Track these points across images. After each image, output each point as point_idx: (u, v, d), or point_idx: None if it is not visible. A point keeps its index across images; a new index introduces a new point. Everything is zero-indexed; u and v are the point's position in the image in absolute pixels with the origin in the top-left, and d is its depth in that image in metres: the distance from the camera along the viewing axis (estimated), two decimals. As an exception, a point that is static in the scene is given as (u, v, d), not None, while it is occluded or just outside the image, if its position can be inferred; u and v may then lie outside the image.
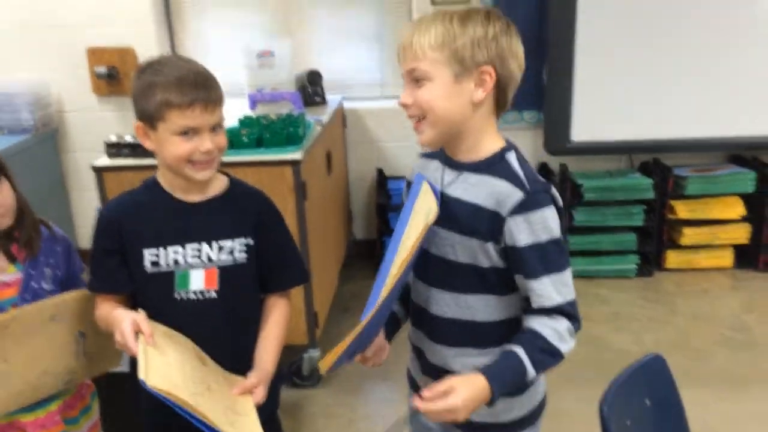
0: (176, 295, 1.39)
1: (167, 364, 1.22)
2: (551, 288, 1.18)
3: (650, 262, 3.61)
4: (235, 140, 2.45)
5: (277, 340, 1.46)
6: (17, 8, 3.50)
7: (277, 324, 1.48)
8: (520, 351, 1.15)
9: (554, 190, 1.21)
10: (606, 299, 3.40)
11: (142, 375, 1.14)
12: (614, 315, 3.24)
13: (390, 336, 1.38)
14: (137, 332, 1.26)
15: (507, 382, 1.15)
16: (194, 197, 1.42)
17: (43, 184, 3.58)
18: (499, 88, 1.20)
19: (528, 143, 3.71)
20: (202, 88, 1.32)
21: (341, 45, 3.74)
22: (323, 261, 2.89)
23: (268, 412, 1.44)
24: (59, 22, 3.50)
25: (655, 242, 3.59)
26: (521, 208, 1.17)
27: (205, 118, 1.32)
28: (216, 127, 1.36)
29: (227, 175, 1.50)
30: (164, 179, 1.43)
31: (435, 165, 1.31)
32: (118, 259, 1.40)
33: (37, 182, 3.48)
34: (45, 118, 3.54)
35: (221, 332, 1.40)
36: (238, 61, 3.23)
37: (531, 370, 1.15)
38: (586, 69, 3.37)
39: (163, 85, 1.30)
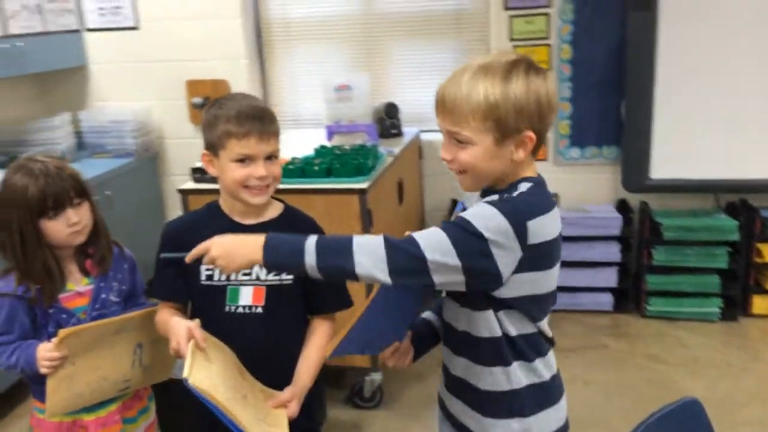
0: (226, 308, 1.52)
1: (210, 369, 1.32)
2: (428, 234, 1.16)
3: (735, 306, 3.44)
4: (307, 169, 2.60)
5: (316, 360, 1.55)
6: (127, 45, 3.86)
7: (317, 345, 1.56)
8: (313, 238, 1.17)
9: (530, 226, 1.17)
10: (685, 342, 3.27)
11: (185, 373, 1.24)
12: (692, 359, 3.12)
13: (423, 345, 1.44)
14: (191, 338, 1.37)
15: (285, 249, 1.17)
16: (250, 220, 1.55)
17: (144, 204, 3.86)
18: (537, 140, 1.24)
19: (607, 179, 3.66)
20: (258, 120, 1.46)
21: (420, 78, 3.84)
22: (390, 287, 2.96)
23: (303, 429, 1.53)
24: (163, 56, 3.83)
25: (740, 286, 3.43)
26: (488, 197, 1.24)
27: (260, 147, 1.46)
28: (271, 157, 1.49)
29: (283, 202, 1.62)
30: (224, 203, 1.57)
31: (477, 194, 1.38)
32: (178, 270, 1.53)
33: (138, 202, 3.76)
34: (146, 144, 3.85)
35: (264, 345, 1.51)
36: (320, 93, 3.40)
37: (312, 257, 1.14)
38: (666, 104, 3.30)
39: (225, 118, 1.46)
